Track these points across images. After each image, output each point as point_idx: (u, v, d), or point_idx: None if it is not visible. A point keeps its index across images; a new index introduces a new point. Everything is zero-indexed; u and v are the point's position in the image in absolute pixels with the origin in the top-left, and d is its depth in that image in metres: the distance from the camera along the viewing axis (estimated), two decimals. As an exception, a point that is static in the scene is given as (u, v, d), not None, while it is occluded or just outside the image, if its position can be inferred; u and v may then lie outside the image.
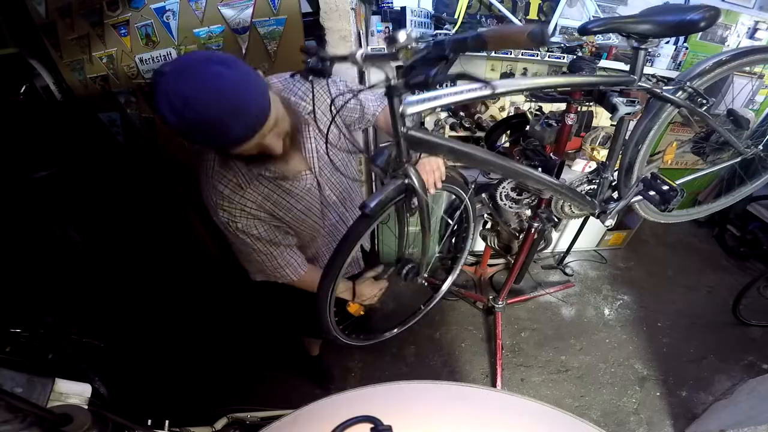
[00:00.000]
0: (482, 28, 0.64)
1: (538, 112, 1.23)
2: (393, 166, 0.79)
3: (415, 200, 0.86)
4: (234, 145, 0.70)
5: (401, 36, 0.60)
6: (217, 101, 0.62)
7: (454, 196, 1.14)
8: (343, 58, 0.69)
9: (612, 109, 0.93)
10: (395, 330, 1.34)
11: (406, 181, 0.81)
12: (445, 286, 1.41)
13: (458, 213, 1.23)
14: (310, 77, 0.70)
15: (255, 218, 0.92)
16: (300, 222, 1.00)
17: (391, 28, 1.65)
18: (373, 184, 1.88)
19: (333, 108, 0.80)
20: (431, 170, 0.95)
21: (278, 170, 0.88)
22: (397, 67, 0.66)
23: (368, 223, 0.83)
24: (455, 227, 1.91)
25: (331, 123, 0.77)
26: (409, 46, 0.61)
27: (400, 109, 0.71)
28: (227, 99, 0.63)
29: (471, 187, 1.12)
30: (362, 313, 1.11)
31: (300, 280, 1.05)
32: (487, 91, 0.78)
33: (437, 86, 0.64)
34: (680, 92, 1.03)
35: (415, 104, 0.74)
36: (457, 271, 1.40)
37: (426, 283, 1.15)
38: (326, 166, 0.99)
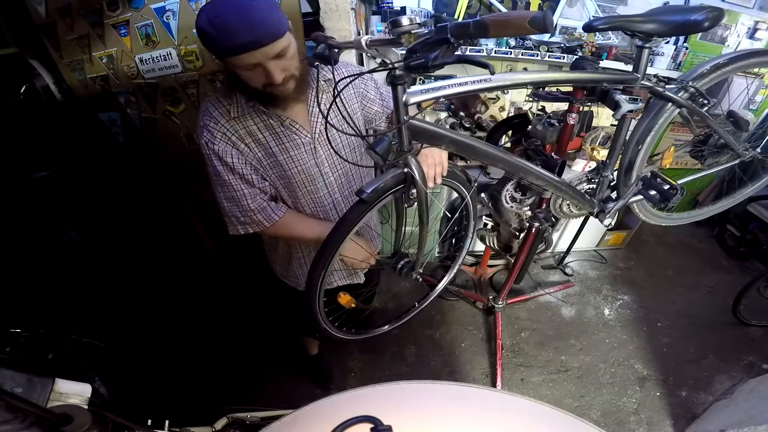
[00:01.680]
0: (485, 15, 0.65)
1: (540, 112, 1.23)
2: (393, 154, 0.79)
3: (414, 191, 0.86)
4: (240, 50, 0.75)
5: (404, 20, 0.62)
6: (238, 14, 0.73)
7: (455, 195, 1.14)
8: (349, 44, 0.74)
9: (615, 106, 0.93)
10: (386, 327, 1.33)
11: (406, 170, 0.82)
12: (441, 284, 1.40)
13: (459, 210, 1.23)
14: (316, 63, 0.77)
15: (234, 146, 0.92)
16: (281, 175, 0.99)
17: (385, 36, 1.64)
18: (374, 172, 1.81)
19: (336, 88, 0.80)
20: (433, 163, 0.95)
21: (275, 111, 0.91)
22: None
23: (364, 210, 0.83)
24: (455, 227, 1.91)
25: (333, 101, 0.77)
26: (412, 31, 0.63)
27: (403, 98, 0.72)
28: (246, 12, 0.74)
29: (473, 184, 1.12)
30: (353, 305, 1.08)
31: (274, 227, 1.01)
32: (490, 84, 0.78)
33: (436, 69, 0.66)
34: (682, 92, 1.03)
35: (418, 94, 0.74)
36: (455, 270, 1.40)
37: (420, 279, 1.13)
38: (330, 140, 0.98)
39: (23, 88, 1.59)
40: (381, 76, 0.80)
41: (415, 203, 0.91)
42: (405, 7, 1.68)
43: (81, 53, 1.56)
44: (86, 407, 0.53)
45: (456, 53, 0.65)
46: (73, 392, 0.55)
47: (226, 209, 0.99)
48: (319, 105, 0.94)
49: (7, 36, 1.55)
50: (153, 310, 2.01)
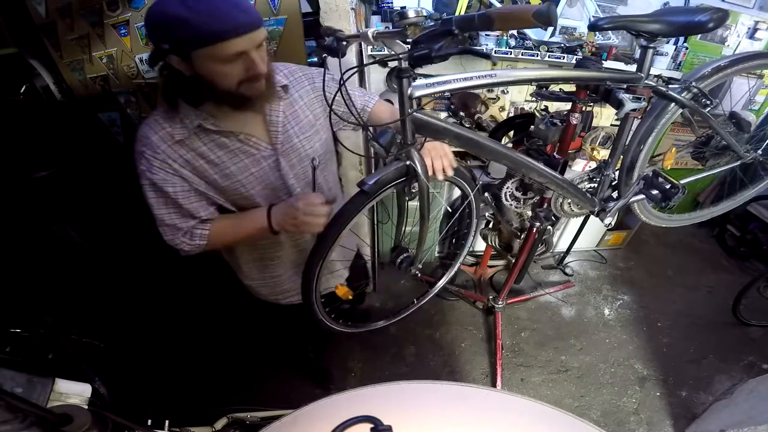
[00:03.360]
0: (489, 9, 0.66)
1: (544, 112, 1.23)
2: (396, 147, 0.80)
3: (415, 185, 0.86)
4: (231, 34, 0.67)
5: (411, 12, 0.64)
6: None
7: (456, 194, 1.15)
8: (356, 37, 0.74)
9: (618, 104, 0.93)
10: (381, 321, 1.34)
11: (408, 163, 0.82)
12: (441, 281, 1.40)
13: (461, 209, 1.24)
14: (324, 55, 0.75)
15: (176, 174, 0.83)
16: (243, 195, 0.91)
17: (391, 28, 1.64)
18: (372, 165, 1.79)
19: (342, 80, 0.78)
20: (438, 155, 0.91)
21: (227, 125, 0.82)
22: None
23: (364, 201, 0.84)
24: (455, 226, 1.91)
25: (339, 89, 0.77)
26: (419, 23, 0.65)
27: (408, 91, 0.73)
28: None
29: (478, 183, 1.12)
30: (350, 297, 1.06)
31: (209, 244, 0.93)
32: (495, 79, 0.79)
33: (441, 60, 0.67)
34: (685, 92, 1.04)
35: (423, 87, 0.75)
36: (456, 268, 1.40)
37: (419, 275, 1.14)
38: (293, 150, 0.91)
39: (23, 88, 1.59)
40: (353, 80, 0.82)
41: (416, 197, 0.91)
42: (405, 7, 1.67)
43: (81, 53, 1.55)
44: (86, 407, 0.53)
45: (460, 46, 0.66)
46: (73, 392, 0.55)
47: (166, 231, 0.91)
48: (325, 96, 0.89)
49: (7, 36, 1.55)
50: (153, 310, 2.01)
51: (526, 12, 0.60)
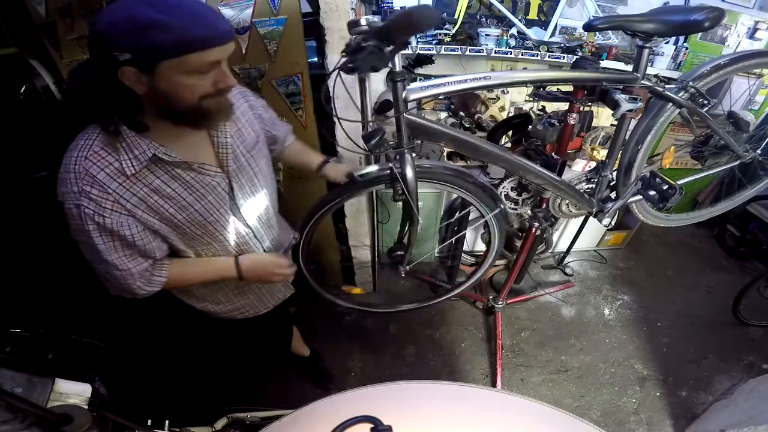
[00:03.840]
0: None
1: (540, 112, 1.23)
2: (383, 148, 0.82)
3: (401, 188, 0.89)
4: (214, 41, 0.62)
5: (363, 21, 0.68)
6: (199, 2, 0.62)
7: (455, 195, 1.14)
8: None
9: (614, 105, 0.94)
10: (407, 306, 1.36)
11: (390, 165, 0.86)
12: (463, 287, 1.37)
13: (458, 213, 1.24)
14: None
15: (131, 215, 0.73)
16: (196, 225, 0.83)
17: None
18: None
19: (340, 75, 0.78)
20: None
21: (181, 155, 0.74)
22: (405, 57, 0.71)
23: (350, 190, 0.93)
24: (455, 227, 1.90)
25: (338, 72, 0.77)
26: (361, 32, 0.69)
27: (403, 94, 0.74)
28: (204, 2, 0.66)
29: (499, 205, 1.07)
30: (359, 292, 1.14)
31: (165, 286, 0.88)
32: (490, 82, 0.80)
33: (366, 71, 0.71)
34: (682, 92, 1.03)
35: (418, 90, 0.76)
36: (479, 275, 1.37)
37: (403, 273, 1.16)
38: (242, 170, 0.86)
39: (23, 88, 1.59)
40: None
41: (403, 200, 0.93)
42: (405, 7, 1.67)
43: (81, 53, 1.55)
44: (86, 407, 0.53)
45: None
46: (73, 392, 0.55)
47: (109, 278, 0.81)
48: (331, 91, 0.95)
49: (7, 36, 1.55)
50: (153, 310, 2.01)
51: (408, 16, 0.62)
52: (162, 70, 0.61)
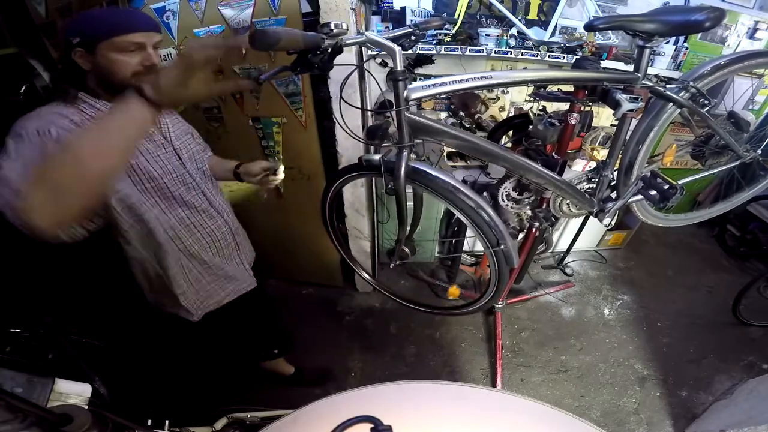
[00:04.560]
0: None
1: (541, 112, 1.23)
2: (381, 141, 0.86)
3: (391, 183, 0.90)
4: (137, 26, 0.81)
5: (332, 24, 0.72)
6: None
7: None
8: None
9: (615, 105, 0.93)
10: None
11: (377, 157, 0.89)
12: (485, 298, 1.30)
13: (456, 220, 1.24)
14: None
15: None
16: (150, 176, 0.93)
17: (391, 28, 1.65)
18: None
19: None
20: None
21: None
22: (406, 57, 0.72)
23: (356, 169, 0.98)
24: (455, 227, 1.90)
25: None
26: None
27: (404, 94, 0.74)
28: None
29: (501, 246, 0.99)
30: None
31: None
32: (490, 81, 0.80)
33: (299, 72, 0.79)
34: (683, 92, 1.03)
35: (419, 89, 0.76)
36: (500, 289, 1.31)
37: (391, 266, 1.20)
38: (184, 147, 1.03)
39: (23, 88, 1.59)
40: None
41: (393, 195, 0.95)
42: (405, 7, 1.68)
43: (81, 53, 1.56)
44: (86, 407, 0.53)
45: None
46: (73, 392, 0.55)
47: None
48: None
49: (7, 36, 1.55)
50: (153, 310, 2.01)
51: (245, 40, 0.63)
52: (100, 49, 0.79)
